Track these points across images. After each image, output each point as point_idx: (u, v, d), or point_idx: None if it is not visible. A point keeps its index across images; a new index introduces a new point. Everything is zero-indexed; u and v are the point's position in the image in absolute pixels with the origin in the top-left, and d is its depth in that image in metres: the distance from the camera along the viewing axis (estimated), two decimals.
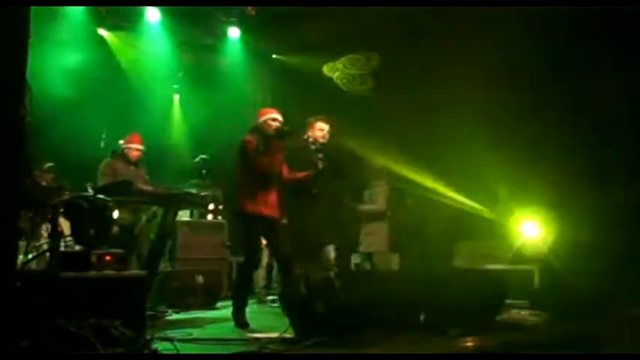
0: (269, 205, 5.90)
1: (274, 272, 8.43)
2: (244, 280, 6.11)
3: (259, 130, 5.96)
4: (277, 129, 5.91)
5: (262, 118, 6.01)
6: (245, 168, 5.86)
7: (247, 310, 5.91)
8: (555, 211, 7.47)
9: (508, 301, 5.29)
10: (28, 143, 3.72)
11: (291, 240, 6.14)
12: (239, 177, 5.93)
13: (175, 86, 10.59)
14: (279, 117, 6.03)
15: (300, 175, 6.19)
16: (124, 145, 7.46)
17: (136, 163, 7.43)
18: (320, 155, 6.51)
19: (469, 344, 4.19)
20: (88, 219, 4.84)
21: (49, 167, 7.70)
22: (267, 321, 6.08)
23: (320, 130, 6.60)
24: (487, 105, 8.02)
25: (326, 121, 6.66)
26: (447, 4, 8.44)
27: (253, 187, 5.85)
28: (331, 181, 6.54)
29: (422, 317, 4.82)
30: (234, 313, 5.83)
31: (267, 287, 8.55)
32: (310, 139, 6.57)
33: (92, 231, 4.85)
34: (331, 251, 6.83)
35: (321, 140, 6.57)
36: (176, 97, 10.76)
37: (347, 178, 7.35)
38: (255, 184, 5.85)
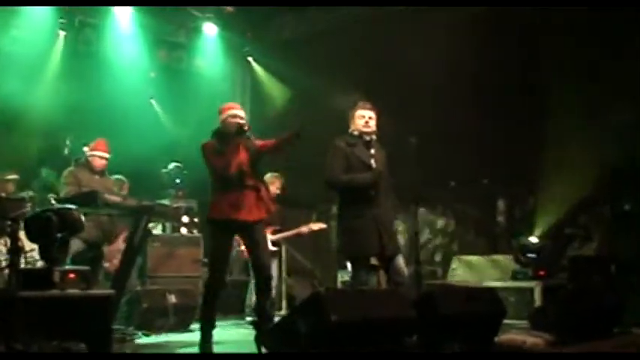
0: (240, 207, 5.33)
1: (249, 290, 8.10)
2: (206, 298, 5.53)
3: (220, 130, 5.52)
4: (235, 125, 5.38)
5: (222, 117, 5.53)
6: (210, 172, 5.48)
7: (227, 332, 5.56)
8: None
9: (506, 321, 5.04)
10: None
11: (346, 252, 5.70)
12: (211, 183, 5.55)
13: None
14: (239, 112, 5.52)
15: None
16: (88, 153, 7.02)
17: (100, 173, 7.03)
18: (372, 151, 5.59)
19: None
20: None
21: (11, 179, 7.36)
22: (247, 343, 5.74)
23: (360, 117, 5.59)
24: None
25: (364, 107, 5.64)
26: (447, 4, 8.49)
27: (221, 191, 5.40)
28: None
29: (414, 338, 4.54)
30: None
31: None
32: (355, 133, 5.61)
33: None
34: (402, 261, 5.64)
35: (365, 130, 5.56)
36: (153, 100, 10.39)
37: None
38: (222, 188, 5.39)
